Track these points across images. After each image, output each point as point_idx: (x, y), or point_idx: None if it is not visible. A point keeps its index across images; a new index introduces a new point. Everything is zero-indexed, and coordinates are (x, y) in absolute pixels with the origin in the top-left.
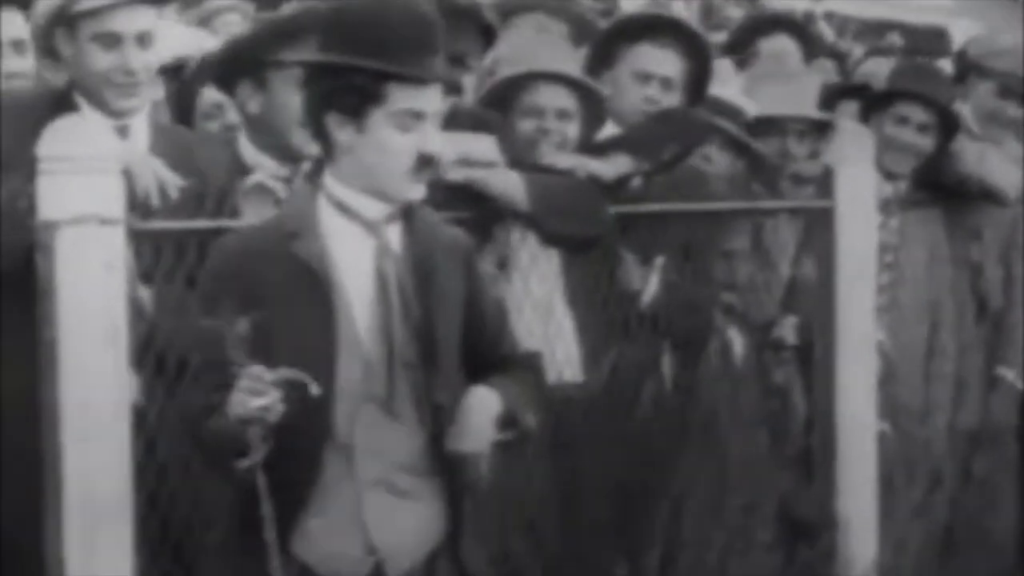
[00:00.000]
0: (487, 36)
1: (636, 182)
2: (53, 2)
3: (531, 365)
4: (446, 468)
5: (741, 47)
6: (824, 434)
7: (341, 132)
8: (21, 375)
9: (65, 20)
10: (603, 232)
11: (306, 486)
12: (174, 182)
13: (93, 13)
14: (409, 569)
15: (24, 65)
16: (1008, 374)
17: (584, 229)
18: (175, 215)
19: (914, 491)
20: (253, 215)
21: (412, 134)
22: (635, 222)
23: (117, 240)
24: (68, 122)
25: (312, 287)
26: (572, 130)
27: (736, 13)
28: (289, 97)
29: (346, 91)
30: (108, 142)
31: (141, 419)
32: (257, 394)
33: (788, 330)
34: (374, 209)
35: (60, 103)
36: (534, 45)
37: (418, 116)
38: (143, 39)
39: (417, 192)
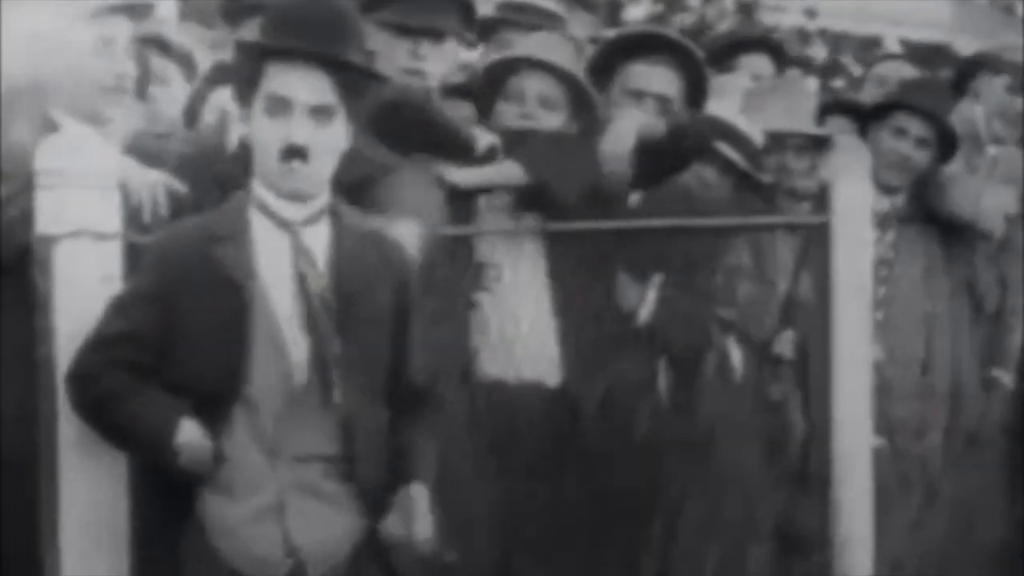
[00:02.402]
0: (468, 17)
1: (634, 200)
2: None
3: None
4: (368, 468)
5: (719, 63)
6: (820, 449)
7: (245, 123)
8: (18, 388)
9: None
10: (602, 181)
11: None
12: (160, 194)
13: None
14: (329, 572)
15: None
16: (1004, 376)
17: (585, 182)
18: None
19: (910, 507)
20: None
21: (279, 122)
22: (632, 239)
23: (113, 254)
24: (65, 136)
25: (228, 291)
26: (555, 120)
27: (729, 28)
28: None
29: (236, 73)
30: (105, 156)
31: None
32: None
33: (786, 345)
34: (291, 209)
35: None
36: (526, 36)
37: (285, 103)
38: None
39: (288, 186)
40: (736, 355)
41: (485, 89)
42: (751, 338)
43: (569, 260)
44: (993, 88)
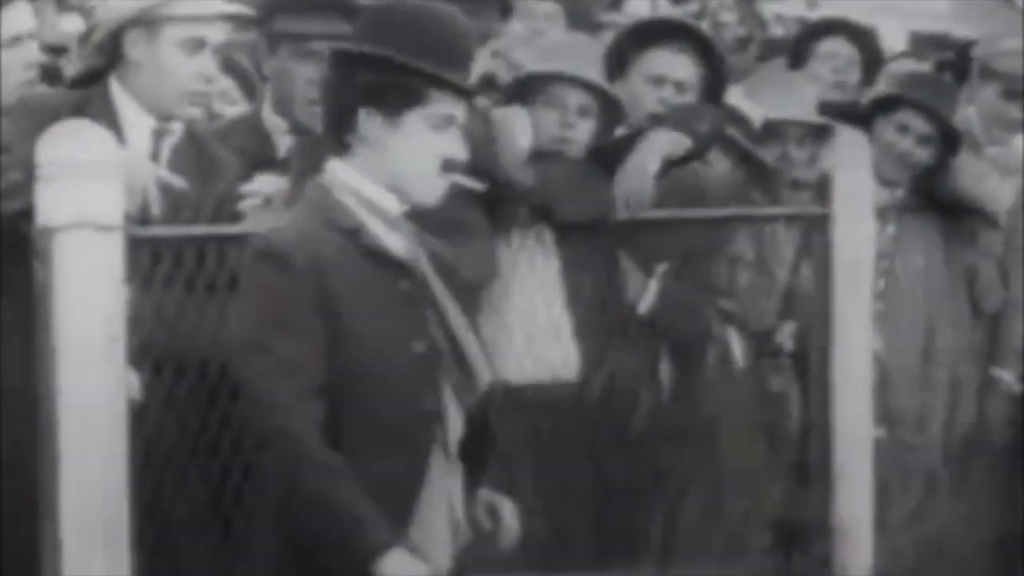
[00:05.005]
0: (504, 13)
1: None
2: (130, 4)
3: None
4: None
5: (800, 50)
6: (820, 441)
7: (372, 127)
8: (18, 380)
9: (144, 23)
10: (609, 214)
11: (421, 475)
12: (152, 188)
13: (183, 19)
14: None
15: None
16: (1004, 375)
17: (590, 212)
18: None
19: (910, 498)
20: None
21: (443, 137)
22: (635, 229)
23: (115, 246)
24: (66, 128)
25: (395, 276)
26: (589, 126)
27: (730, 18)
28: (293, 66)
29: (387, 88)
30: (106, 148)
31: (139, 426)
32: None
33: (786, 337)
34: (394, 206)
35: (86, 105)
36: (562, 43)
37: (451, 121)
38: (218, 50)
39: (436, 195)
40: (737, 346)
41: (519, 92)
42: (751, 329)
43: (576, 252)
44: (985, 94)
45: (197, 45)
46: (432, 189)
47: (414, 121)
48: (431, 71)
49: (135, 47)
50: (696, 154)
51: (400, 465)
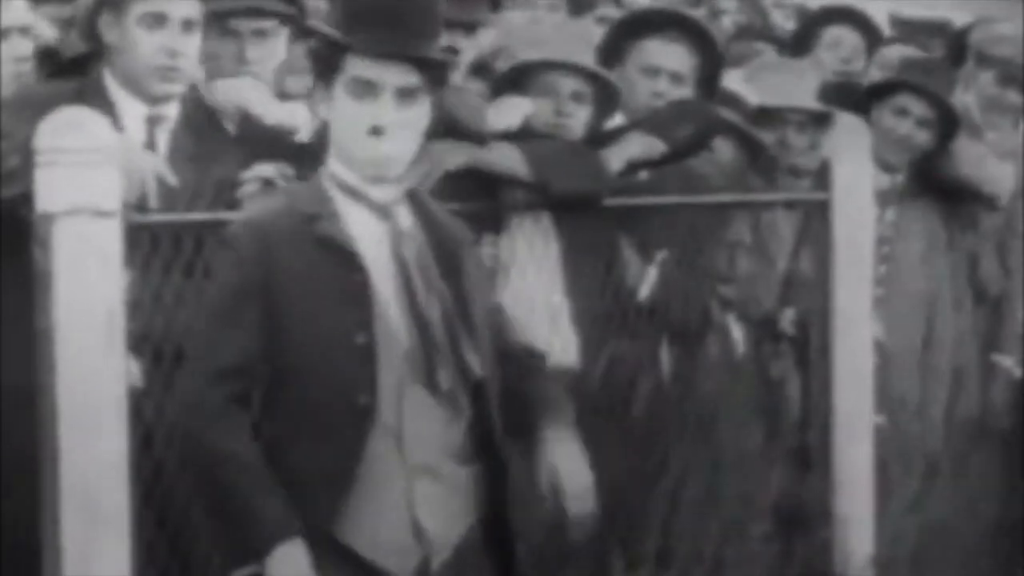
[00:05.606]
0: (495, 5)
1: (642, 174)
2: None
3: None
4: (486, 453)
5: (806, 38)
6: (820, 427)
7: (322, 104)
8: (17, 366)
9: (112, 3)
10: (604, 189)
11: (350, 470)
12: (150, 181)
13: None
14: (450, 555)
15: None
16: (1005, 361)
17: (586, 187)
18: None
19: (911, 484)
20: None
21: (368, 106)
22: (634, 215)
23: (113, 232)
24: (66, 115)
25: (344, 267)
26: (584, 114)
27: (730, 5)
28: (217, 46)
29: (315, 59)
30: (105, 135)
31: (138, 411)
32: None
33: (787, 323)
34: (381, 192)
35: (83, 95)
36: (553, 29)
37: (374, 88)
38: (188, 25)
39: (374, 166)
40: (737, 332)
41: (510, 81)
42: (751, 315)
43: (575, 239)
44: (983, 81)
45: (157, 19)
46: (363, 160)
47: (338, 89)
48: (332, 34)
49: (110, 30)
50: (673, 158)
51: (329, 458)
